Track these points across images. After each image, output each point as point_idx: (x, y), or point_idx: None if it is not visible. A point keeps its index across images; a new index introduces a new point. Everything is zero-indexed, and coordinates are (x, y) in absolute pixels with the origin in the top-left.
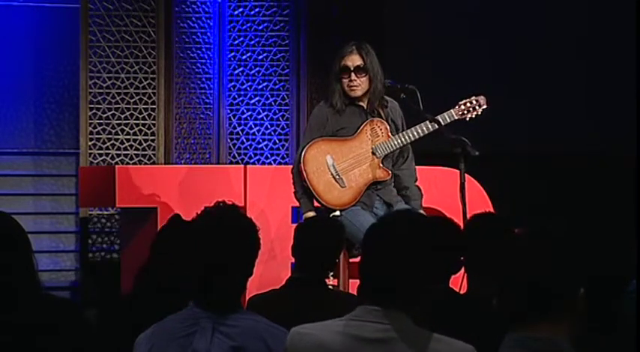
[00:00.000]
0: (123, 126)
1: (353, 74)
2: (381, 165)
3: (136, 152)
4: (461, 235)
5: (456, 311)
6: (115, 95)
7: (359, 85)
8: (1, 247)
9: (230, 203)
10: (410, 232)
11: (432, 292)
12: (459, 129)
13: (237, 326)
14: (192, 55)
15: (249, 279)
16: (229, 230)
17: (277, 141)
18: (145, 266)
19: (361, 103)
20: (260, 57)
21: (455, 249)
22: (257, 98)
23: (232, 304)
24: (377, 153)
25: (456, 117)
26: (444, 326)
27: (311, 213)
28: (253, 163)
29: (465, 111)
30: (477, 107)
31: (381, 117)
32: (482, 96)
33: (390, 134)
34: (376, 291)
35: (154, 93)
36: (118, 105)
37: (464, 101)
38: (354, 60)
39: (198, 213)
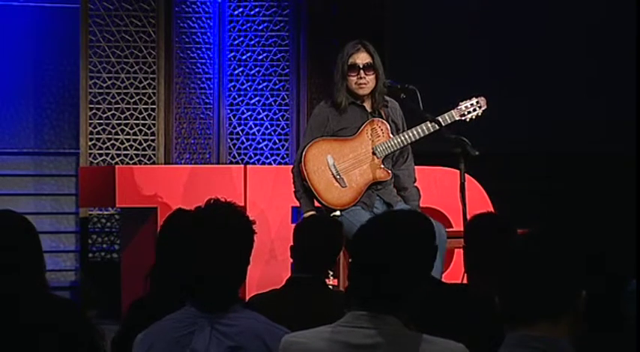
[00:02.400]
0: (123, 126)
1: (362, 72)
2: (382, 165)
3: (136, 152)
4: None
5: (451, 309)
6: (115, 95)
7: (367, 82)
8: (8, 246)
9: (223, 200)
10: (394, 234)
11: (422, 293)
12: (459, 129)
13: (235, 326)
14: (192, 55)
15: (246, 279)
16: (222, 226)
17: (277, 141)
18: (153, 267)
19: (362, 103)
20: (260, 57)
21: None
22: (257, 98)
23: (228, 302)
24: (377, 154)
25: (457, 118)
26: (440, 326)
27: (311, 213)
28: (253, 163)
29: (466, 112)
30: (477, 108)
31: (381, 117)
32: (482, 97)
33: (390, 134)
34: (363, 296)
35: (154, 93)
36: (118, 105)
37: (464, 102)
38: (362, 58)
39: (192, 210)
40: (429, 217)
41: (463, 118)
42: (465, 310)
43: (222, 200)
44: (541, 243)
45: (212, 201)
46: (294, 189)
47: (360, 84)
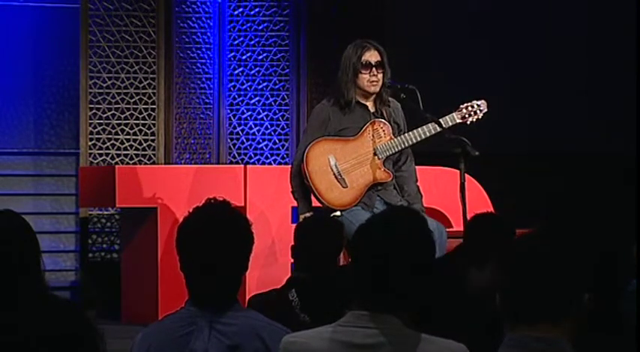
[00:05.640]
0: (123, 126)
1: (374, 69)
2: (383, 166)
3: (136, 152)
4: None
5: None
6: (115, 95)
7: (379, 80)
8: (6, 246)
9: (221, 199)
10: (394, 233)
11: (423, 293)
12: (459, 130)
13: (234, 325)
14: (192, 55)
15: (246, 279)
16: (220, 226)
17: (277, 141)
18: None
19: (365, 103)
20: (260, 57)
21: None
22: (257, 98)
23: (228, 301)
24: (378, 154)
25: (458, 121)
26: (440, 326)
27: (308, 214)
28: (253, 163)
29: (467, 115)
30: (478, 111)
31: (384, 117)
32: (482, 101)
33: (392, 135)
34: (364, 295)
35: (154, 93)
36: (118, 105)
37: (465, 105)
38: (375, 56)
39: (190, 210)
40: (425, 215)
41: (464, 121)
42: (465, 306)
43: (220, 199)
44: (549, 244)
45: (211, 200)
46: (291, 189)
47: (373, 81)
